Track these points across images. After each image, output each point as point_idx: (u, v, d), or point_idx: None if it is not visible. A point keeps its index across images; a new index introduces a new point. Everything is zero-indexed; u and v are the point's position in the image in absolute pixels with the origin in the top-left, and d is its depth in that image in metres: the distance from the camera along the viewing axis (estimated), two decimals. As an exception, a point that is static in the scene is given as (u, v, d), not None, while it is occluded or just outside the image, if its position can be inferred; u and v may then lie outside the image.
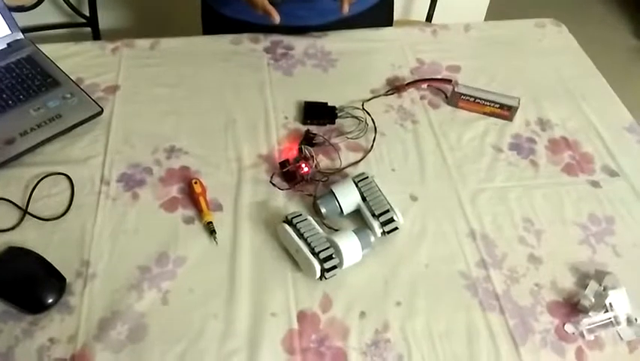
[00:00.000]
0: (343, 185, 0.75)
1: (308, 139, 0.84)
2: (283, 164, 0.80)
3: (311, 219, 0.71)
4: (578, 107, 0.94)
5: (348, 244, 0.69)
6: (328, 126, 0.87)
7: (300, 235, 0.69)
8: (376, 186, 0.75)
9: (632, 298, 0.68)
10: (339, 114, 0.88)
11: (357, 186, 0.75)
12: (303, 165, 0.78)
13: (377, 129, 0.87)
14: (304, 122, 0.88)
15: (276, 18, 0.85)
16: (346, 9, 0.87)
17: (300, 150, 0.81)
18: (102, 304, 0.66)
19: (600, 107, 0.94)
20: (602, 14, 2.61)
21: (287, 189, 0.78)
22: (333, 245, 0.68)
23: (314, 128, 0.87)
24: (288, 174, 0.79)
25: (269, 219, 0.75)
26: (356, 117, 0.88)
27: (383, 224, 0.72)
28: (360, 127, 0.87)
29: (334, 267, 0.68)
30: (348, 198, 0.74)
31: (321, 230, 0.71)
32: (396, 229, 0.73)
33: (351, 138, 0.86)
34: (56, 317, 0.65)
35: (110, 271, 0.69)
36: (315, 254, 0.67)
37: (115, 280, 0.69)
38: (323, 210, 0.74)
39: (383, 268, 0.71)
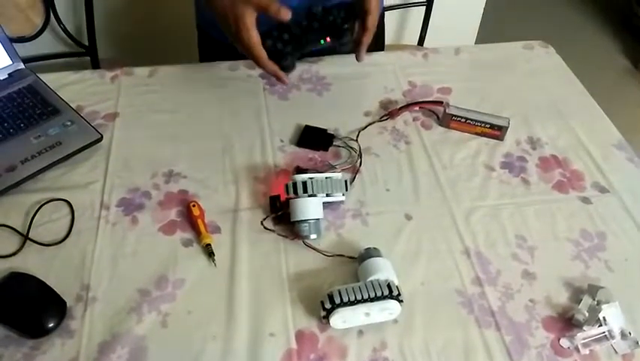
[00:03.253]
0: (297, 207, 0.75)
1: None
2: (273, 200, 0.79)
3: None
4: (567, 125, 0.96)
5: None
6: (322, 151, 0.89)
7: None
8: (309, 178, 0.76)
9: (626, 312, 0.69)
10: (334, 143, 0.90)
11: (304, 194, 0.76)
12: None
13: (370, 151, 0.89)
14: (298, 145, 0.89)
15: (285, 81, 0.92)
16: (363, 58, 0.91)
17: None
18: (102, 328, 0.67)
19: (589, 126, 0.96)
20: (592, 34, 2.67)
21: (282, 235, 0.77)
22: None
23: (308, 152, 0.88)
24: (278, 215, 0.78)
25: (266, 241, 0.77)
26: (351, 148, 0.89)
27: (341, 188, 0.78)
28: (351, 159, 0.88)
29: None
30: (310, 208, 0.75)
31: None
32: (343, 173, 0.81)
33: (341, 170, 0.86)
34: (57, 341, 0.66)
35: (110, 294, 0.70)
36: None
37: (115, 303, 0.69)
38: (314, 236, 0.75)
39: (379, 286, 0.72)
